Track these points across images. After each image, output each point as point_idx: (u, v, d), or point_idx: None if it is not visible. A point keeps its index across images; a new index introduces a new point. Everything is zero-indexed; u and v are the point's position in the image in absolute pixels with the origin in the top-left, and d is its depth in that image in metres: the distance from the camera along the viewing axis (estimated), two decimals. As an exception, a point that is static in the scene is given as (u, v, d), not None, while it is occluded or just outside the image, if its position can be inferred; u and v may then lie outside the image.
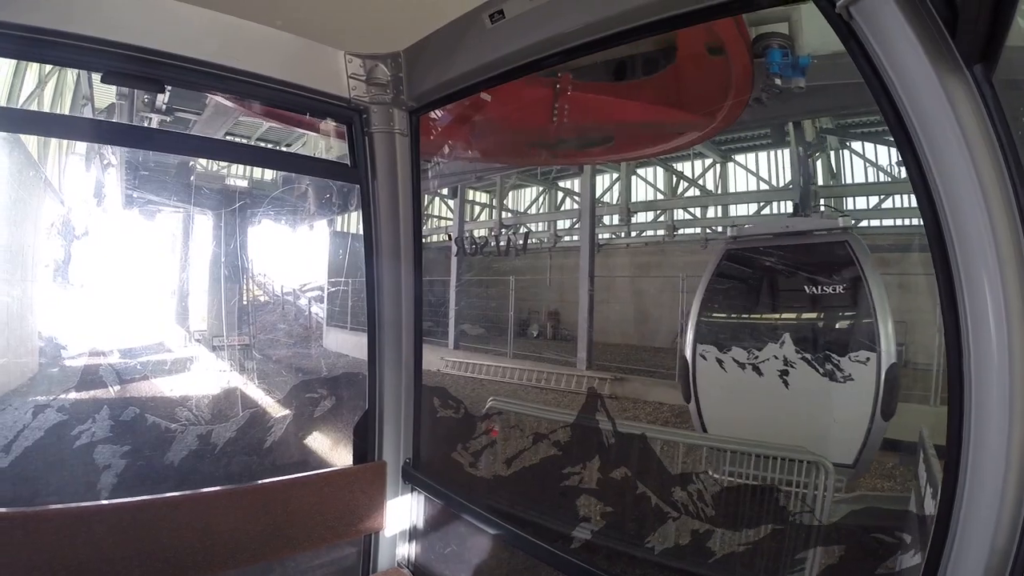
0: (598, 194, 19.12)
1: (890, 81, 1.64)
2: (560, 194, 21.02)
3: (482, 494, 8.23)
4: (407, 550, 3.71)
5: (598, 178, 19.11)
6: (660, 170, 18.53)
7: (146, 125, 14.15)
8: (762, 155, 16.74)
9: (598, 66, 6.91)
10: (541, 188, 21.02)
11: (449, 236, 21.71)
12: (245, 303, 18.16)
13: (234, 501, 3.19)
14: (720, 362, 8.51)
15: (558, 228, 20.28)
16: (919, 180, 1.64)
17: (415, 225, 3.58)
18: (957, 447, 1.63)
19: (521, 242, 19.82)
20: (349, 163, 3.49)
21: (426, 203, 22.02)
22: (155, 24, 2.69)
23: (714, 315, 8.83)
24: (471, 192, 21.79)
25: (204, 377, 14.29)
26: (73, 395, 11.11)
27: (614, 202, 18.93)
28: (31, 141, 13.17)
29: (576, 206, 19.82)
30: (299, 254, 23.30)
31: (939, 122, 1.56)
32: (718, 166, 17.39)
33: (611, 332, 16.35)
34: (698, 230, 17.50)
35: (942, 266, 1.63)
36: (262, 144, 19.21)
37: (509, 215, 21.49)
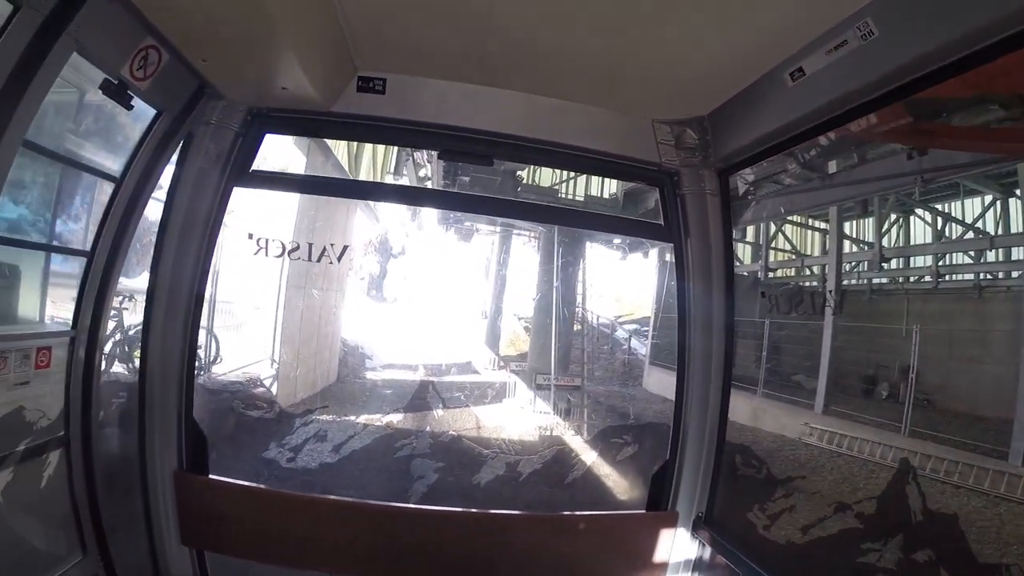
0: (969, 220, 16.45)
1: None
2: (915, 221, 18.09)
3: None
4: (686, 605, 3.89)
5: (967, 202, 16.51)
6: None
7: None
8: None
9: None
10: (896, 216, 18.36)
11: (757, 280, 20.27)
12: (577, 339, 18.28)
13: (529, 526, 3.82)
14: None
15: (909, 264, 17.48)
16: None
17: (727, 282, 3.85)
18: None
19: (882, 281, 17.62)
20: (662, 223, 3.92)
21: (772, 232, 20.92)
22: (483, 109, 3.53)
23: None
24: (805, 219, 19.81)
25: (517, 411, 15.43)
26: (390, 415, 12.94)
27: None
28: (343, 156, 15.42)
29: (950, 236, 17.05)
30: (625, 281, 23.55)
31: None
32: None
33: (961, 398, 13.21)
34: None
35: None
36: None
37: (856, 248, 19.05)
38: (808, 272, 19.90)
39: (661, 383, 18.01)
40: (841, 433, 12.94)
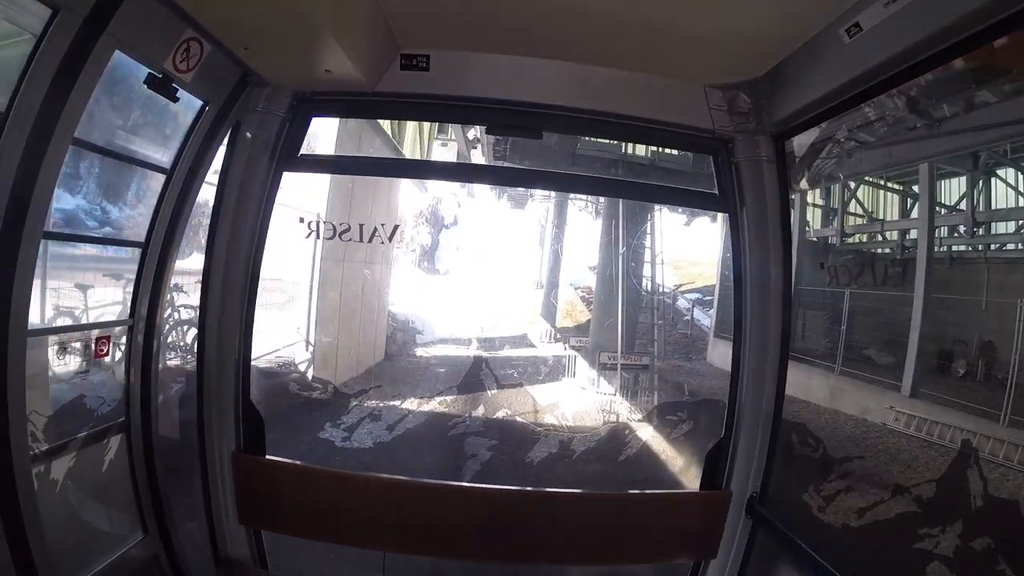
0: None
1: None
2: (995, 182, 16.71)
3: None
4: (736, 586, 3.88)
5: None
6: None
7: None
8: None
9: None
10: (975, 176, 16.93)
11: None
12: (644, 313, 17.57)
13: (581, 504, 3.88)
14: None
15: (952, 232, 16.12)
16: None
17: (785, 254, 3.74)
18: None
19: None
20: (716, 192, 3.84)
21: (846, 197, 19.91)
22: (529, 81, 3.50)
23: None
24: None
25: (578, 391, 15.14)
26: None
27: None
28: (387, 125, 15.21)
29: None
30: (687, 247, 22.40)
31: None
32: None
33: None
34: None
35: None
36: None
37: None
38: (881, 239, 18.97)
39: (727, 357, 16.81)
40: (932, 420, 11.93)
